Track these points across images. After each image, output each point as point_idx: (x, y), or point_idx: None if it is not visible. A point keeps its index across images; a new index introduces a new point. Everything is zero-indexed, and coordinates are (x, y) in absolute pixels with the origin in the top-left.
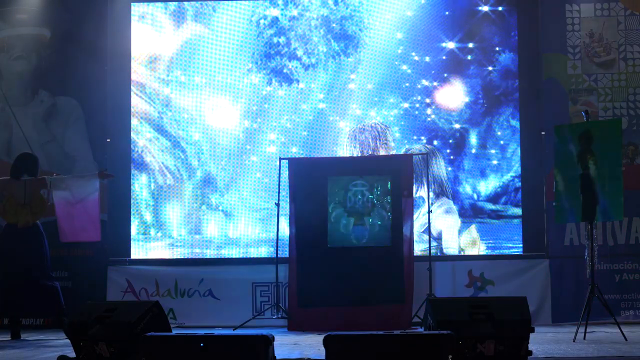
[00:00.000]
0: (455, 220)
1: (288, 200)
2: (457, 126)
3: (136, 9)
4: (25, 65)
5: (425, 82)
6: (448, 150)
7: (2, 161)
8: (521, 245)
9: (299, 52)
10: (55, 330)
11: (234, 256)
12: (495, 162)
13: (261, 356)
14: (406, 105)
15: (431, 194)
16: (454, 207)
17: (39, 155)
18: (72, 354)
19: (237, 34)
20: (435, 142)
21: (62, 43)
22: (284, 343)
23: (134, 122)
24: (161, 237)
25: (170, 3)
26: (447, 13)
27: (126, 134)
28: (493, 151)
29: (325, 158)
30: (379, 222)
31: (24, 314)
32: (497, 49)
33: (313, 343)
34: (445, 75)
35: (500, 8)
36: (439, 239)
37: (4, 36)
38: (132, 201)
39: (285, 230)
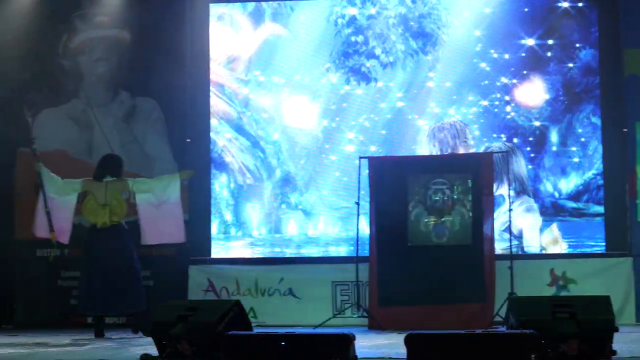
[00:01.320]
0: (536, 219)
1: (368, 199)
2: (537, 124)
3: (214, 10)
4: (106, 67)
5: (504, 80)
6: (528, 148)
7: (84, 162)
8: (604, 243)
9: (377, 51)
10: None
11: (313, 255)
12: (576, 159)
13: (342, 355)
14: (485, 103)
15: (512, 192)
16: (535, 206)
17: (120, 155)
18: (155, 353)
19: (315, 33)
20: (515, 140)
21: (142, 44)
22: (365, 342)
23: (214, 122)
24: (241, 236)
25: (249, 3)
26: (526, 10)
27: (206, 134)
28: (574, 149)
29: (406, 157)
30: (460, 221)
31: (108, 313)
32: (577, 45)
33: (394, 342)
34: (525, 72)
35: (580, 4)
36: (520, 237)
37: (85, 38)
38: (212, 201)
39: (365, 229)
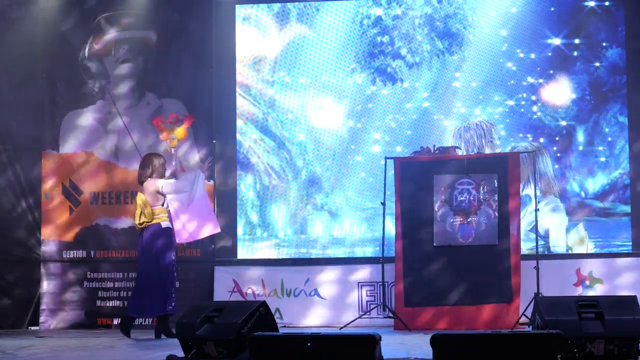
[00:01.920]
0: (562, 219)
1: (394, 200)
2: (563, 123)
3: (240, 11)
4: (132, 68)
5: (530, 79)
6: (555, 148)
7: (110, 163)
8: (630, 243)
9: (403, 51)
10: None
11: (339, 256)
12: (603, 159)
13: (368, 356)
14: (511, 102)
15: (538, 192)
16: (561, 205)
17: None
18: (181, 354)
19: (341, 34)
20: (541, 140)
21: (168, 46)
22: (391, 343)
23: (239, 123)
24: (267, 237)
25: (274, 4)
26: (552, 9)
27: (232, 135)
28: (601, 148)
29: (431, 156)
30: (486, 221)
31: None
32: (603, 44)
33: (420, 343)
34: (551, 72)
35: (606, 3)
36: (546, 237)
37: (112, 39)
38: (238, 202)
39: (391, 229)
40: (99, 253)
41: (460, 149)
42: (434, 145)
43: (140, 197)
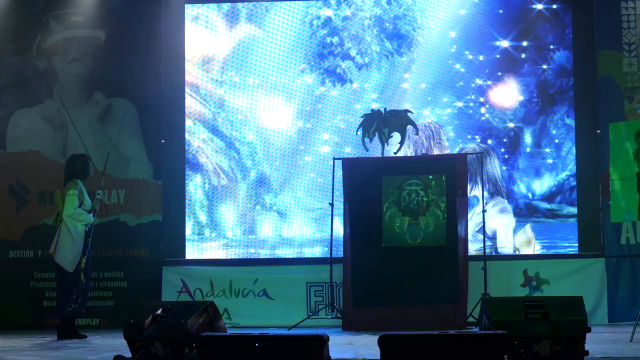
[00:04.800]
0: (509, 220)
1: (342, 200)
2: (511, 125)
3: (190, 11)
4: (81, 68)
5: (479, 81)
6: (502, 149)
7: (58, 162)
8: (577, 244)
9: (352, 52)
10: (112, 330)
11: (288, 256)
12: (550, 160)
13: (316, 356)
14: (460, 104)
15: (486, 194)
16: (509, 207)
17: (94, 156)
18: (129, 354)
19: (290, 35)
20: (489, 141)
21: (117, 45)
22: (339, 343)
23: (188, 123)
24: (216, 238)
25: (224, 4)
26: (500, 11)
27: (180, 135)
28: (548, 150)
29: (379, 157)
30: (434, 222)
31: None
32: (551, 47)
33: (368, 343)
34: (499, 74)
35: (554, 6)
36: (493, 238)
37: (60, 39)
38: (186, 202)
39: (340, 230)
40: (46, 253)
41: (412, 112)
42: (385, 109)
43: (57, 197)
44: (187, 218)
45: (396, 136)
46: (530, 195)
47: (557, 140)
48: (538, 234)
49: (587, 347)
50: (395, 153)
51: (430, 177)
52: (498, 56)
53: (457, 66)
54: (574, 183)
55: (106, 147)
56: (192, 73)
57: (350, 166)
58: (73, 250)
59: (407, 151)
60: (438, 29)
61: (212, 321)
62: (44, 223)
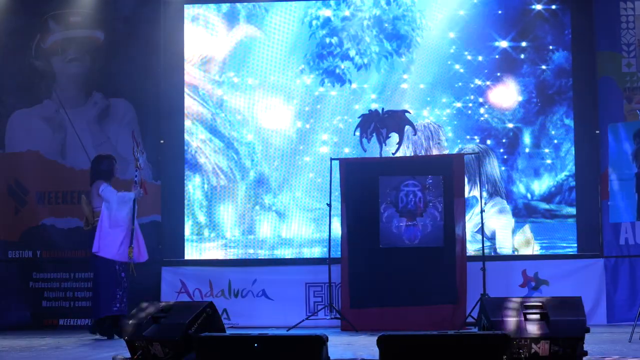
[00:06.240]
0: (508, 220)
1: (340, 201)
2: (510, 125)
3: (189, 11)
4: (80, 68)
5: (478, 82)
6: (501, 150)
7: (57, 162)
8: (575, 244)
9: (352, 53)
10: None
11: (287, 256)
12: (549, 161)
13: (315, 356)
14: (459, 104)
15: (484, 194)
16: (508, 207)
17: (93, 156)
18: (127, 354)
19: (290, 35)
20: (488, 142)
21: (116, 45)
22: (338, 343)
23: (187, 123)
24: (215, 238)
25: (223, 4)
26: (499, 12)
27: (180, 135)
28: (547, 150)
29: (377, 158)
30: (432, 222)
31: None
32: (550, 47)
33: (366, 343)
34: (498, 74)
35: (553, 6)
36: (492, 238)
37: (59, 39)
38: (185, 202)
39: (338, 230)
40: (45, 253)
41: (410, 112)
42: (383, 109)
43: (83, 200)
44: (186, 218)
45: (394, 137)
46: (529, 195)
47: (556, 141)
48: (537, 234)
49: (585, 347)
50: (393, 154)
51: (428, 177)
52: (497, 56)
53: (456, 66)
54: (572, 183)
55: (104, 147)
56: (191, 73)
57: (348, 167)
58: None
59: (406, 151)
60: (437, 30)
61: (211, 322)
62: (42, 224)
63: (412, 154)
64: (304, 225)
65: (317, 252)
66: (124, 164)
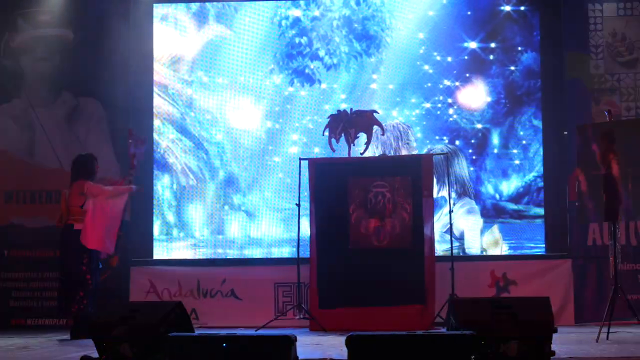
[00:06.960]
0: (477, 220)
1: (309, 201)
2: (479, 126)
3: (158, 10)
4: (49, 67)
5: (447, 82)
6: (470, 150)
7: (25, 162)
8: (544, 245)
9: (321, 53)
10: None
11: (256, 256)
12: (517, 162)
13: (284, 356)
14: (428, 105)
15: (453, 194)
16: (476, 207)
17: (61, 155)
18: (96, 354)
19: (259, 35)
20: (457, 142)
21: (85, 44)
22: (307, 343)
23: (157, 123)
24: (184, 238)
25: (193, 4)
26: (469, 13)
27: (149, 134)
28: (515, 151)
29: (346, 158)
30: (400, 223)
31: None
32: (519, 48)
33: (335, 343)
34: (467, 75)
35: (522, 8)
36: (461, 239)
37: (27, 38)
38: (154, 202)
39: (307, 230)
40: (13, 252)
41: (379, 112)
42: (351, 109)
43: (64, 198)
44: (155, 218)
45: (363, 137)
46: (497, 196)
47: (524, 142)
48: (505, 234)
49: (553, 347)
50: (361, 153)
51: (397, 178)
52: (466, 57)
53: (426, 67)
54: (541, 184)
55: (73, 146)
56: (160, 73)
57: (317, 167)
58: None
59: (375, 151)
60: (407, 30)
61: (180, 321)
62: (10, 223)
63: (381, 154)
64: (273, 225)
65: (286, 252)
66: None
